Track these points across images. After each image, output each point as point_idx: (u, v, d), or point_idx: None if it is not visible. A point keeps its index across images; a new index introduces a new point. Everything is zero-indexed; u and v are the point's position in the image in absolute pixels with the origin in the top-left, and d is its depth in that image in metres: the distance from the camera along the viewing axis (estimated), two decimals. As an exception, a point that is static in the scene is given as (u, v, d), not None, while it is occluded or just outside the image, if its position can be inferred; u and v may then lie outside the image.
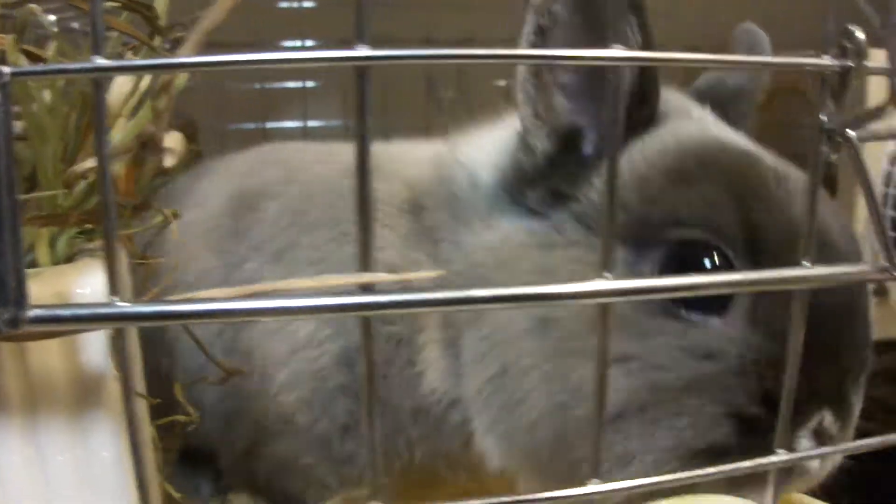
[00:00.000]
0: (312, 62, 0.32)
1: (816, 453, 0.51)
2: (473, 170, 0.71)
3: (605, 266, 0.32)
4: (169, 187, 0.92)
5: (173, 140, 1.66)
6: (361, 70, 0.30)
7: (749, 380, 0.56)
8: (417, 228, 0.73)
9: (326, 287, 0.30)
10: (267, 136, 1.61)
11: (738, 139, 0.66)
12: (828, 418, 0.58)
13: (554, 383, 0.61)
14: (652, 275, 0.57)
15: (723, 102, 0.73)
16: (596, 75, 0.57)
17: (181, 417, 0.56)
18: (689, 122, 0.66)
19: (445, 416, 0.71)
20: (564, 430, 0.60)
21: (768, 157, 0.63)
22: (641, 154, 0.60)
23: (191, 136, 1.74)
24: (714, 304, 0.57)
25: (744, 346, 0.57)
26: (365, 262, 0.31)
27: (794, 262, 0.52)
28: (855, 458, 0.59)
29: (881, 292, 1.41)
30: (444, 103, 1.54)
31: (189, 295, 0.34)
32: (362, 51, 0.31)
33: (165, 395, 0.64)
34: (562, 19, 0.55)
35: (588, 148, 0.62)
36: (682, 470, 0.49)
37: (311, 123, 1.63)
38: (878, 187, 1.34)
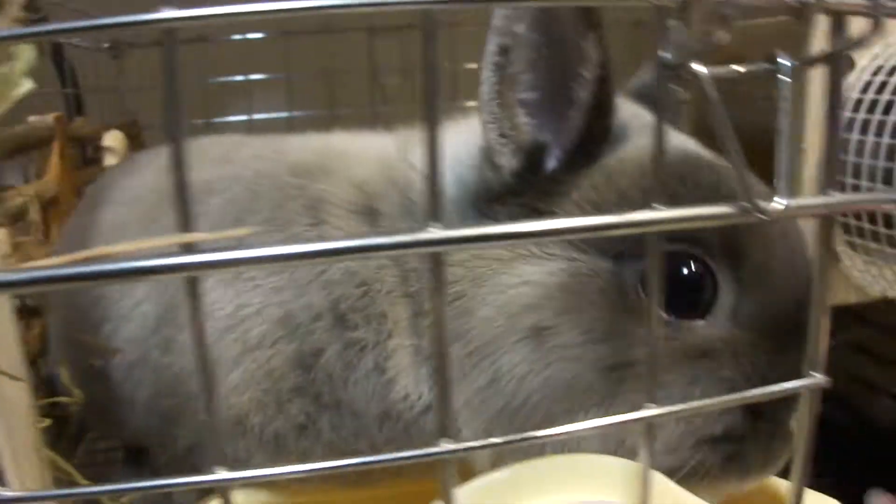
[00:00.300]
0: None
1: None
2: None
3: (434, 217, 0.31)
4: (97, 183, 0.91)
5: (114, 139, 1.63)
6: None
7: (745, 368, 0.60)
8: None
9: (149, 250, 0.29)
10: (214, 131, 1.59)
11: (699, 149, 0.67)
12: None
13: (557, 389, 0.61)
14: (636, 287, 0.60)
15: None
16: (555, 91, 0.59)
17: (65, 399, 0.54)
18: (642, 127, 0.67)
19: (418, 422, 0.71)
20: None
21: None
22: (621, 168, 0.62)
23: (135, 135, 1.72)
24: (697, 307, 0.60)
25: (733, 343, 0.60)
26: (185, 222, 0.29)
27: (773, 268, 0.59)
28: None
29: (831, 258, 1.41)
30: (388, 90, 1.54)
31: (30, 264, 0.32)
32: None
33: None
34: (524, 39, 0.56)
35: (552, 162, 0.64)
36: (696, 458, 0.58)
37: (257, 116, 1.62)
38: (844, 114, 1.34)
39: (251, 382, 0.72)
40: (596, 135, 0.62)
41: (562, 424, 0.56)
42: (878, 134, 1.22)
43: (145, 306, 0.79)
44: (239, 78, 1.62)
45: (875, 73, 1.28)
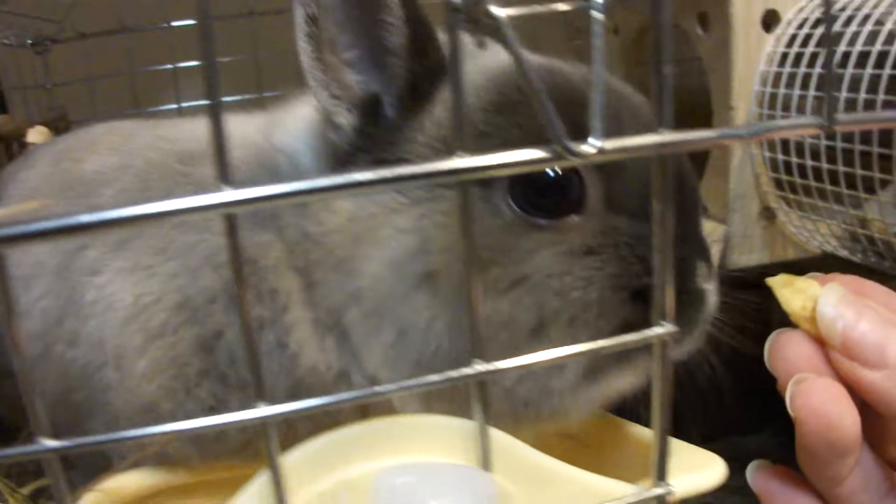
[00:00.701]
0: None
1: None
2: (293, 156, 0.71)
3: (223, 179, 0.30)
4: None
5: (38, 134, 1.61)
6: None
7: (632, 257, 0.64)
8: (257, 214, 0.71)
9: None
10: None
11: (535, 57, 0.67)
12: (702, 266, 0.69)
13: (461, 327, 0.62)
14: (507, 202, 0.62)
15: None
16: (371, 44, 0.61)
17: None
18: (487, 55, 0.68)
19: (333, 391, 0.70)
20: None
21: (571, 68, 0.68)
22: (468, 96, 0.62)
23: (63, 129, 1.69)
24: (569, 204, 0.63)
25: (613, 233, 0.64)
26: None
27: (622, 164, 0.62)
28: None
29: (769, 216, 1.42)
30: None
31: None
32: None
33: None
34: (327, 4, 0.57)
35: (390, 111, 0.65)
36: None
37: (185, 104, 1.60)
38: (751, 108, 1.34)
39: (158, 370, 0.72)
40: (424, 75, 0.63)
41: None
42: (804, 87, 1.22)
43: (45, 301, 0.78)
44: (167, 66, 1.59)
45: (800, 27, 1.28)
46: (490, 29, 0.31)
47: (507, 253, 0.61)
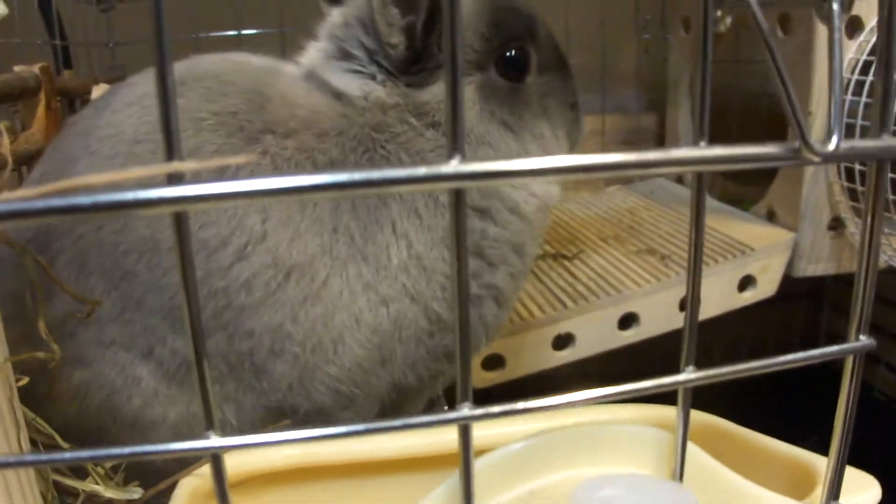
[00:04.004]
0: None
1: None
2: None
3: (457, 150, 0.27)
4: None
5: (101, 92, 1.59)
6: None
7: (566, 95, 0.95)
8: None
9: (131, 179, 0.26)
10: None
11: None
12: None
13: None
14: (495, 82, 0.88)
15: None
16: None
17: (40, 354, 0.50)
18: None
19: None
20: None
21: None
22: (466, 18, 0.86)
23: (124, 88, 1.65)
24: (525, 71, 0.89)
25: (549, 81, 0.92)
26: (169, 149, 0.26)
27: (537, 24, 0.90)
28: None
29: (837, 226, 1.39)
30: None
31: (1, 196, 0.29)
32: None
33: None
34: None
35: (419, 35, 0.84)
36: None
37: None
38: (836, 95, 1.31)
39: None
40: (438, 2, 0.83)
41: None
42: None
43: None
44: (231, 33, 1.57)
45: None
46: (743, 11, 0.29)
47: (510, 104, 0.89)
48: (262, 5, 1.61)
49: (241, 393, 0.77)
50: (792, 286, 1.42)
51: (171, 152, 0.26)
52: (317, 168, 0.79)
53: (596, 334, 1.27)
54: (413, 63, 0.86)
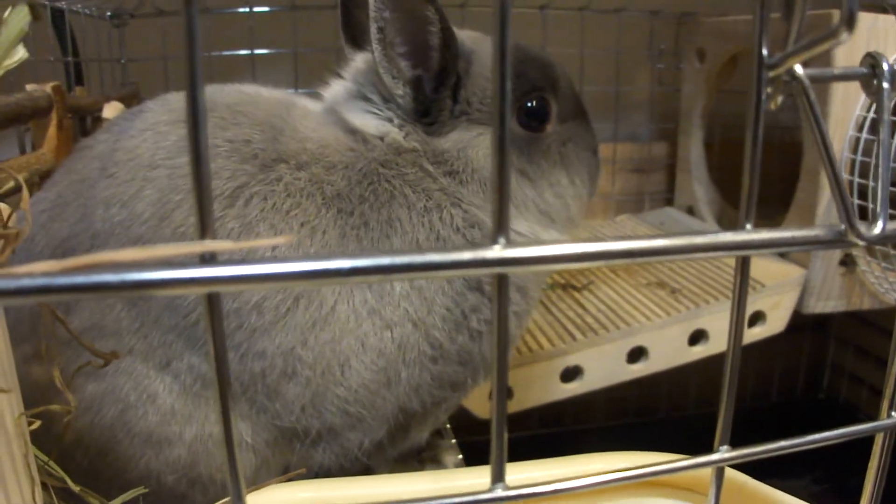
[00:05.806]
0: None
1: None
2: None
3: (502, 232, 0.26)
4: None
5: (114, 110, 1.57)
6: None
7: (586, 139, 0.96)
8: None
9: (161, 257, 0.25)
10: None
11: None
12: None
13: None
14: (514, 131, 0.89)
15: None
16: (419, 43, 0.84)
17: (55, 407, 0.49)
18: (486, 43, 0.93)
19: None
20: None
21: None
22: (478, 69, 0.89)
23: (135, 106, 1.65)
24: (545, 120, 0.91)
25: (568, 129, 0.93)
26: (203, 226, 0.25)
27: (558, 76, 0.92)
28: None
29: (849, 263, 1.38)
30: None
31: (24, 269, 0.28)
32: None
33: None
34: (391, 19, 0.80)
35: (427, 87, 0.87)
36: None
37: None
38: (843, 153, 1.30)
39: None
40: (450, 62, 0.86)
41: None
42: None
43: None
44: (244, 52, 1.56)
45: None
46: (791, 88, 0.28)
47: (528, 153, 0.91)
48: (275, 25, 1.61)
49: (254, 413, 0.78)
50: (798, 317, 1.41)
51: (204, 229, 0.25)
52: (325, 199, 0.80)
53: (604, 367, 1.26)
54: (424, 115, 0.87)
